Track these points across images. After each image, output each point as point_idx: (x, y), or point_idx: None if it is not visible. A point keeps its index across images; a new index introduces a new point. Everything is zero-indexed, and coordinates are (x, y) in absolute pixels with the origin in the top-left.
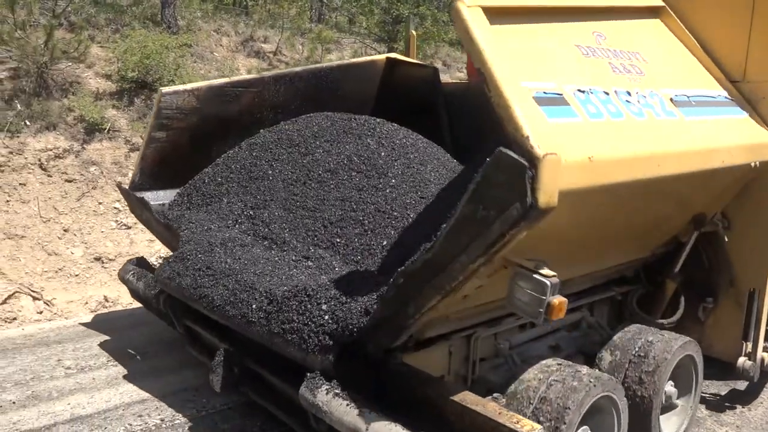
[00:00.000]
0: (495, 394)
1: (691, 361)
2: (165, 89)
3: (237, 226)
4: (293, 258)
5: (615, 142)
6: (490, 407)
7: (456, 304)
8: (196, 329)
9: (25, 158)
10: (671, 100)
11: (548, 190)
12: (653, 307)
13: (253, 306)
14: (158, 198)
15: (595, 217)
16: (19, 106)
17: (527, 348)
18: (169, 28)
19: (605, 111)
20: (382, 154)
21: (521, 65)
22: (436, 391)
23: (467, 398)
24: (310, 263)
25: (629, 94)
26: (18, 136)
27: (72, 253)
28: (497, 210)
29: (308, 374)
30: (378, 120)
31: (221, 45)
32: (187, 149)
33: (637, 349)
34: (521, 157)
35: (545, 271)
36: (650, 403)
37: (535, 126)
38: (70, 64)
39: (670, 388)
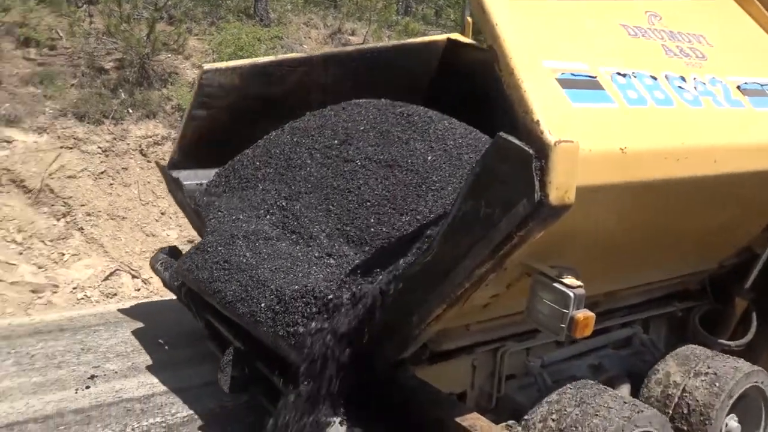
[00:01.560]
0: (510, 422)
1: (759, 393)
2: (207, 66)
3: (267, 216)
4: (316, 255)
5: (659, 132)
6: None
7: (475, 314)
8: (215, 324)
9: (128, 144)
10: (738, 87)
11: (562, 185)
12: (719, 326)
13: (262, 304)
14: (197, 177)
15: (635, 220)
16: (123, 95)
17: (563, 367)
18: (261, 21)
19: (650, 97)
20: (429, 158)
21: (546, 43)
22: (444, 412)
23: (477, 424)
24: (331, 261)
25: (683, 79)
26: (121, 123)
27: (167, 235)
28: (502, 207)
29: (302, 383)
30: (432, 115)
31: (310, 37)
32: (228, 129)
33: (691, 375)
34: (529, 145)
35: (569, 280)
36: None
37: (551, 110)
38: (169, 55)
39: (732, 423)
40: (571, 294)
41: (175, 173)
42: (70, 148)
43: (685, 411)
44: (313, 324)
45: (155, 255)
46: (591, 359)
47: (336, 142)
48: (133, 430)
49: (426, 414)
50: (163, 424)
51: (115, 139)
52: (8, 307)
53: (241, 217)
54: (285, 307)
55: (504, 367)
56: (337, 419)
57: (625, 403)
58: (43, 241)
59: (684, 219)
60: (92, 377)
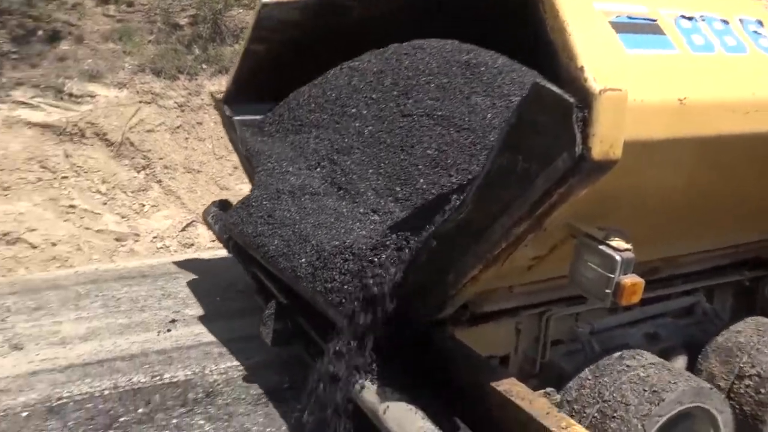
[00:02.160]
0: (549, 389)
1: None
2: (266, 0)
3: (318, 170)
4: (361, 211)
5: (726, 82)
6: (537, 404)
7: (518, 276)
8: (261, 277)
9: (202, 99)
10: None
11: (607, 138)
12: None
13: (302, 260)
14: (253, 111)
15: (695, 179)
16: (197, 50)
17: (614, 334)
18: None
19: (718, 43)
20: (488, 115)
21: None
22: (480, 376)
23: (514, 390)
24: (376, 217)
25: (761, 24)
26: (196, 79)
27: (240, 189)
28: (540, 162)
29: (336, 341)
30: (500, 65)
31: None
32: (286, 65)
33: (752, 350)
34: (572, 94)
35: (617, 242)
36: (765, 424)
37: (600, 56)
38: (241, 10)
39: None
40: (618, 258)
41: (229, 112)
42: (148, 102)
43: (748, 387)
44: (349, 280)
45: (207, 208)
46: (646, 327)
47: (395, 93)
48: (211, 372)
49: (462, 377)
50: (239, 368)
51: (189, 94)
52: (95, 254)
53: (290, 169)
54: (324, 263)
55: (549, 332)
56: (369, 378)
57: (679, 375)
58: (125, 192)
59: (751, 180)
60: (173, 321)
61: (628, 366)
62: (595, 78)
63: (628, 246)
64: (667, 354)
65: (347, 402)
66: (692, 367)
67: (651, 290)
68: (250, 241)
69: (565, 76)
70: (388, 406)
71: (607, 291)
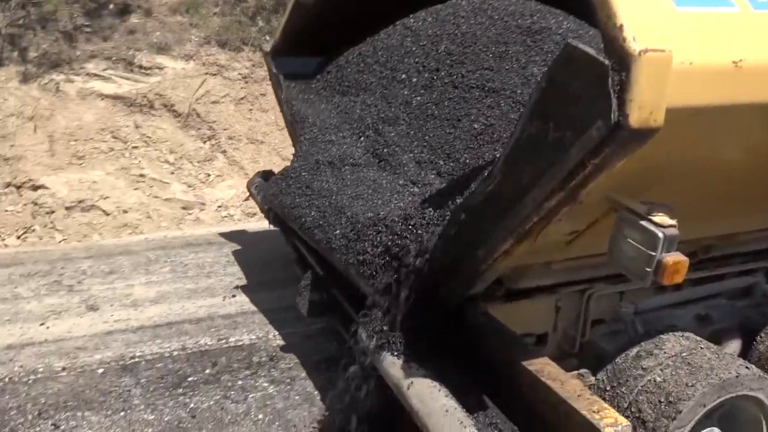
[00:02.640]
0: (583, 370)
1: None
2: None
3: (362, 139)
4: (400, 182)
5: None
6: (569, 386)
7: (556, 252)
8: (300, 249)
9: (265, 71)
10: None
11: (647, 104)
12: None
13: (337, 232)
14: (301, 67)
15: (752, 151)
16: (260, 22)
17: (661, 315)
18: None
19: None
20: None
21: None
22: (512, 354)
23: (545, 369)
24: (415, 189)
25: None
26: (259, 51)
27: None
28: (573, 130)
29: (366, 314)
30: (564, 29)
31: None
32: (339, 19)
33: None
34: (608, 55)
35: (660, 218)
36: None
37: (644, 14)
38: None
39: None
40: (661, 234)
41: (275, 68)
42: (214, 74)
43: None
44: (381, 253)
45: (251, 179)
46: (698, 309)
47: (448, 61)
48: (274, 336)
49: (493, 354)
50: (301, 334)
51: (253, 65)
52: (163, 221)
53: (332, 138)
54: (357, 235)
55: (591, 311)
56: (395, 353)
57: (698, 372)
58: (191, 162)
59: None
60: (237, 287)
61: (644, 370)
62: (635, 37)
63: (673, 222)
64: (719, 337)
65: (374, 376)
66: (746, 351)
67: (704, 269)
68: (288, 212)
69: (604, 36)
70: (412, 382)
71: (648, 269)
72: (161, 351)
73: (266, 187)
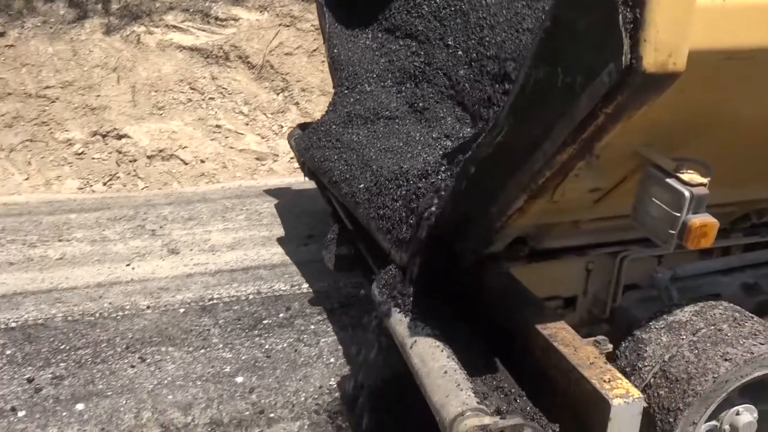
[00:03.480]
0: (600, 337)
1: None
2: None
3: (401, 89)
4: (434, 136)
5: None
6: (583, 353)
7: (582, 211)
8: (333, 202)
9: None
10: None
11: (664, 45)
12: None
13: (361, 185)
14: None
15: None
16: None
17: (702, 282)
18: None
19: None
20: None
21: None
22: (527, 316)
23: (559, 334)
24: (448, 143)
25: None
26: None
27: None
28: (583, 75)
29: (381, 270)
30: None
31: None
32: None
33: None
34: None
35: (688, 176)
36: None
37: None
38: None
39: None
40: (687, 193)
41: None
42: (287, 25)
43: None
44: (399, 207)
45: (292, 130)
46: (745, 277)
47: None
48: (345, 285)
49: (509, 316)
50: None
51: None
52: (238, 171)
53: (369, 89)
54: (379, 189)
55: (623, 275)
56: (404, 310)
57: (758, 333)
58: (265, 114)
59: None
60: (309, 236)
61: (668, 341)
62: None
63: (703, 180)
64: (766, 308)
65: (384, 333)
66: None
67: (756, 235)
68: (318, 165)
69: None
70: (415, 341)
71: (671, 232)
72: (238, 294)
73: (300, 140)
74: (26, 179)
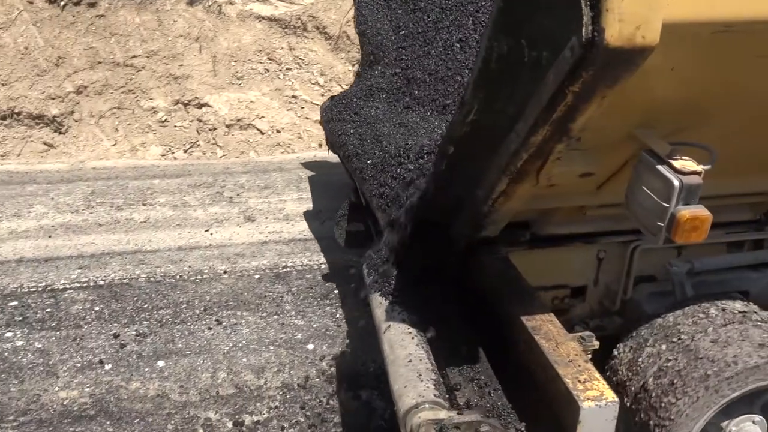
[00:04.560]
0: (585, 333)
1: None
2: None
3: (429, 63)
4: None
5: None
6: (564, 349)
7: (586, 197)
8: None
9: None
10: None
11: (631, 15)
12: None
13: (369, 161)
14: None
15: None
16: None
17: (724, 278)
18: None
19: None
20: None
21: None
22: (514, 305)
23: (544, 327)
24: None
25: None
26: None
27: None
28: (549, 49)
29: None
30: None
31: None
32: None
33: None
34: None
35: (682, 163)
36: None
37: None
38: None
39: None
40: (677, 182)
41: None
42: None
43: None
44: (396, 185)
45: (323, 103)
46: None
47: None
48: None
49: (498, 302)
50: None
51: None
52: (313, 142)
53: (397, 57)
54: (383, 167)
55: (635, 265)
56: (384, 293)
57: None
58: (340, 85)
59: None
60: None
61: (667, 343)
62: None
63: (696, 168)
64: None
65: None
66: None
67: None
68: (336, 138)
69: None
70: (389, 326)
71: (660, 224)
72: (311, 263)
73: (325, 112)
74: (114, 145)
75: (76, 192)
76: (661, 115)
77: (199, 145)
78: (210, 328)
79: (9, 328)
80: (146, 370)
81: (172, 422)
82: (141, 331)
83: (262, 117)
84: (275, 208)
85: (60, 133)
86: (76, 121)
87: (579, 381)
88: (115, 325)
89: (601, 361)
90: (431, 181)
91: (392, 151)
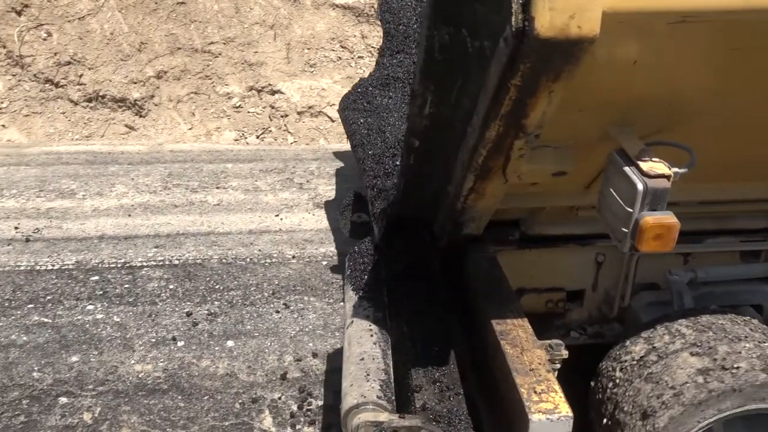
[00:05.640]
0: (554, 341)
1: None
2: None
3: None
4: None
5: None
6: (528, 357)
7: (575, 196)
8: None
9: None
10: None
11: (563, 3)
12: None
13: (371, 152)
14: None
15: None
16: None
17: (736, 289)
18: None
19: None
20: None
21: None
22: (488, 307)
23: (512, 333)
24: None
25: None
26: None
27: None
28: (489, 39)
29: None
30: None
31: None
32: None
33: None
34: None
35: (650, 164)
36: None
37: None
38: None
39: None
40: (640, 185)
41: None
42: None
43: None
44: (385, 179)
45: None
46: None
47: None
48: None
49: (475, 303)
50: None
51: None
52: None
53: (414, 52)
54: (380, 158)
55: (632, 271)
56: (358, 287)
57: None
58: None
59: None
60: None
61: (643, 361)
62: None
63: (665, 172)
64: None
65: None
66: None
67: None
68: (348, 126)
69: None
70: (352, 322)
71: (624, 230)
72: None
73: (343, 99)
74: (190, 129)
75: (154, 173)
76: (637, 112)
77: (271, 131)
78: (278, 312)
79: (90, 301)
80: (216, 349)
81: (240, 401)
82: (212, 311)
83: (333, 105)
84: (343, 196)
85: (140, 116)
86: (155, 105)
87: (534, 392)
88: (188, 303)
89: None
90: (401, 176)
91: (390, 142)
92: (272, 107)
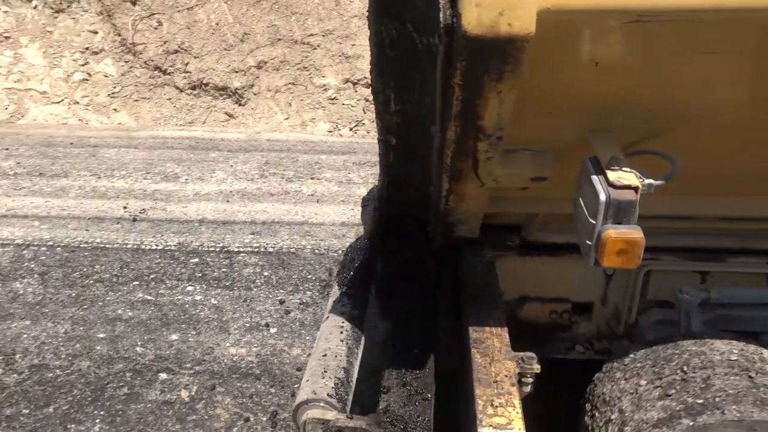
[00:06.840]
0: (527, 354)
1: None
2: None
3: None
4: None
5: None
6: (496, 367)
7: (570, 204)
8: None
9: None
10: None
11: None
12: None
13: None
14: None
15: None
16: None
17: (753, 315)
18: None
19: None
20: None
21: None
22: (468, 312)
23: (486, 341)
24: None
25: None
26: None
27: None
28: (433, 35)
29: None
30: None
31: None
32: None
33: None
34: None
35: (618, 174)
36: None
37: None
38: None
39: None
40: (602, 196)
41: None
42: None
43: None
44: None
45: None
46: None
47: None
48: None
49: (461, 308)
50: None
51: None
52: None
53: None
54: None
55: (643, 288)
56: (345, 285)
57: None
58: None
59: None
60: None
61: (625, 387)
62: None
63: (632, 183)
64: None
65: None
66: None
67: None
68: None
69: None
70: (327, 317)
71: (588, 242)
72: None
73: None
74: (286, 119)
75: (252, 161)
76: (614, 118)
77: (363, 123)
78: None
79: (190, 283)
80: (307, 338)
81: None
82: (304, 300)
83: None
84: None
85: (240, 104)
86: (254, 95)
87: (491, 405)
88: (281, 291)
89: None
90: (383, 174)
91: None
92: (366, 100)
